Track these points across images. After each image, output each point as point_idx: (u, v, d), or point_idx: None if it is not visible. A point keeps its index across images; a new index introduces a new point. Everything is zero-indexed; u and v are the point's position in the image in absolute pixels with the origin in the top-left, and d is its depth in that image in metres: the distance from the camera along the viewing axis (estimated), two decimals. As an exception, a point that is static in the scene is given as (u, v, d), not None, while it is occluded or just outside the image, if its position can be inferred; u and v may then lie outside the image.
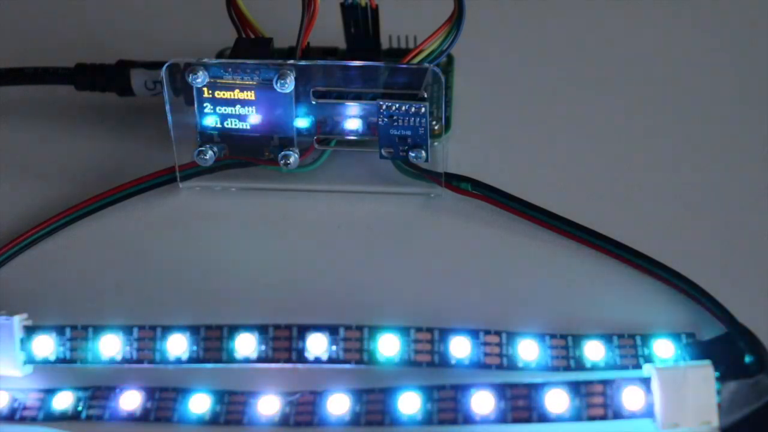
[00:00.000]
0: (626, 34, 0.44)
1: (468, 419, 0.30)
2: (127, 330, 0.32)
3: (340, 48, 0.40)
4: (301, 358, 0.31)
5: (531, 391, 0.30)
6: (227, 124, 0.35)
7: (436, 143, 0.36)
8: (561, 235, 0.35)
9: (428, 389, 0.31)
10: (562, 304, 0.34)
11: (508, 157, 0.38)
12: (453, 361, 0.31)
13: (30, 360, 0.33)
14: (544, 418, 0.30)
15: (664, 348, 0.32)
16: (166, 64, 0.35)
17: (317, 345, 0.31)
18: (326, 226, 0.37)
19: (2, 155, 0.40)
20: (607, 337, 0.32)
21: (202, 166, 0.36)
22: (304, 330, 0.32)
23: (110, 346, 0.32)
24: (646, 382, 0.30)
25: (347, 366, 0.31)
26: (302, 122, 0.36)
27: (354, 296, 0.34)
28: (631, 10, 0.45)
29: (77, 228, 0.37)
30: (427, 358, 0.31)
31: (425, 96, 0.34)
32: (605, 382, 0.30)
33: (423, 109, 0.34)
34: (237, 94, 0.35)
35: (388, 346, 0.31)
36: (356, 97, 0.35)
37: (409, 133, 0.35)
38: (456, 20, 0.35)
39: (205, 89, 0.35)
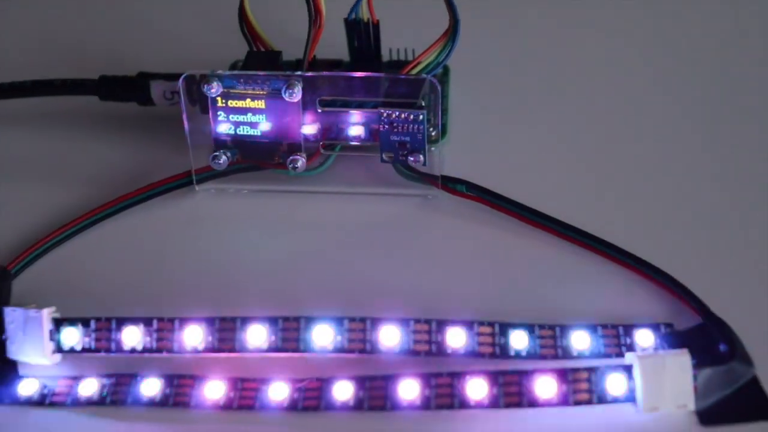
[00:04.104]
0: (612, 46, 0.44)
1: (463, 404, 0.30)
2: (148, 322, 0.32)
3: (344, 60, 0.40)
4: (308, 348, 0.31)
5: (522, 378, 0.30)
6: (239, 131, 0.35)
7: (433, 148, 0.36)
8: (550, 234, 0.35)
9: (426, 376, 0.31)
10: (550, 297, 0.33)
11: (501, 161, 0.38)
12: (449, 351, 0.31)
13: (58, 349, 0.33)
14: (534, 403, 0.30)
15: (644, 337, 0.32)
16: (183, 76, 0.35)
17: (323, 335, 0.31)
18: (331, 225, 0.37)
19: (33, 161, 0.40)
20: (591, 328, 0.32)
21: (216, 170, 0.36)
22: (310, 321, 0.31)
23: (132, 336, 0.32)
24: (628, 369, 0.30)
25: (351, 355, 0.31)
26: (309, 129, 0.36)
27: (357, 290, 0.34)
28: (620, 20, 0.45)
29: (102, 227, 0.37)
30: (425, 348, 0.31)
31: (423, 104, 0.34)
32: (590, 370, 0.30)
33: (421, 117, 0.34)
34: (248, 103, 0.35)
35: (389, 336, 0.31)
36: (359, 106, 0.35)
37: (408, 138, 0.35)
38: (451, 34, 0.35)
39: (219, 99, 0.35)
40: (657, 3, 0.46)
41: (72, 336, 0.32)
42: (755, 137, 0.39)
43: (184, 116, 0.35)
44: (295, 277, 0.35)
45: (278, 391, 0.31)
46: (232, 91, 0.35)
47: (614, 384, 0.30)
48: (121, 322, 0.32)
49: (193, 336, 0.32)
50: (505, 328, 0.31)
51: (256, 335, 0.31)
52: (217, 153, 0.35)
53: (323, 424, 0.30)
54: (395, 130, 0.34)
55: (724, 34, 0.44)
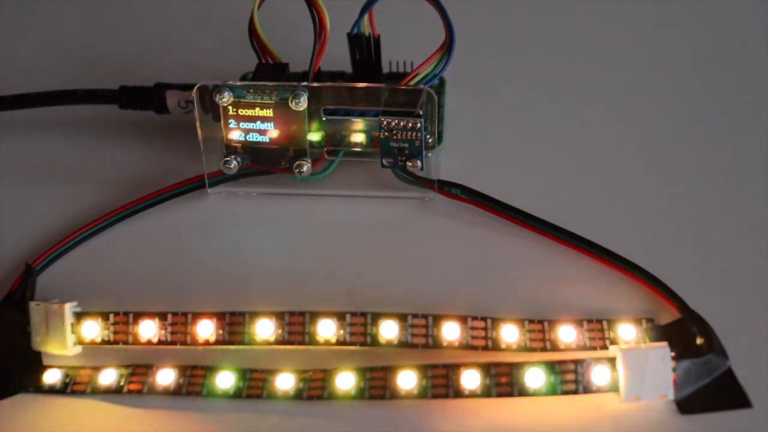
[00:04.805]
0: (601, 55, 0.44)
1: (458, 394, 0.30)
2: (163, 316, 0.32)
3: (347, 72, 0.39)
4: (313, 341, 0.31)
5: (512, 369, 0.30)
6: (249, 137, 0.35)
7: (429, 154, 0.36)
8: (538, 234, 0.35)
9: (423, 368, 0.31)
10: (539, 293, 0.33)
11: (493, 166, 0.38)
12: (445, 343, 0.31)
13: (79, 341, 0.33)
14: (523, 392, 0.30)
15: (627, 331, 0.32)
16: (197, 86, 0.35)
17: (327, 329, 0.31)
18: (335, 226, 0.36)
19: (56, 165, 0.40)
20: (577, 322, 0.32)
21: (227, 174, 0.36)
22: (315, 316, 0.31)
23: (148, 329, 0.32)
24: (611, 361, 0.30)
25: (353, 347, 0.31)
26: (314, 136, 0.36)
27: (359, 287, 0.34)
28: (609, 30, 0.45)
29: (120, 227, 0.37)
30: (422, 341, 0.31)
31: (420, 113, 0.34)
32: (576, 362, 0.30)
33: (419, 125, 0.34)
34: (258, 112, 0.35)
35: (389, 330, 0.31)
36: (361, 114, 0.35)
37: (406, 145, 0.35)
38: (447, 48, 0.35)
39: (230, 107, 0.35)
40: (647, 9, 0.45)
41: (92, 329, 0.32)
42: (735, 140, 0.39)
43: (198, 124, 0.35)
44: (300, 274, 0.35)
45: (285, 382, 0.31)
46: (242, 100, 0.34)
47: (599, 375, 0.30)
48: (138, 316, 0.32)
49: (205, 329, 0.32)
50: (496, 322, 0.31)
51: (264, 329, 0.31)
52: (228, 158, 0.35)
53: (327, 412, 0.30)
54: (394, 137, 0.35)
55: (713, 39, 0.44)
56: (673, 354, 0.30)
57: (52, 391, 0.32)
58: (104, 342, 0.32)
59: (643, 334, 0.31)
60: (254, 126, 0.35)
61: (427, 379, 0.30)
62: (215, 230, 0.37)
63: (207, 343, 0.32)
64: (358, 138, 0.36)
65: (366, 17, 0.35)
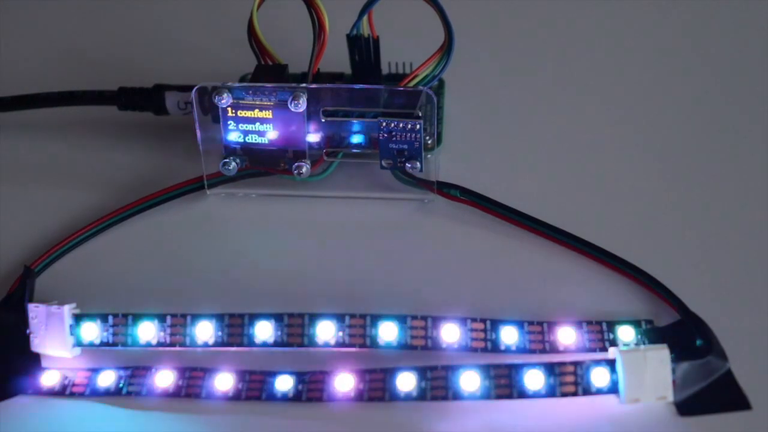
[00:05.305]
0: (599, 58, 0.43)
1: (457, 396, 0.30)
2: (162, 318, 0.32)
3: (346, 73, 0.39)
4: (312, 343, 0.31)
5: (512, 371, 0.30)
6: (248, 139, 0.35)
7: (429, 155, 0.36)
8: (537, 236, 0.35)
9: (422, 369, 0.30)
10: (538, 295, 0.33)
11: (492, 167, 0.38)
12: (444, 345, 0.31)
13: (78, 343, 0.33)
14: (523, 394, 0.30)
15: (626, 333, 0.31)
16: (196, 88, 0.35)
17: (326, 331, 0.31)
18: (334, 227, 0.36)
19: (56, 166, 0.40)
20: (577, 324, 0.31)
21: (226, 176, 0.36)
22: (314, 318, 0.31)
23: (147, 331, 0.32)
24: (611, 363, 0.30)
25: (352, 349, 0.31)
26: (313, 137, 0.35)
27: (358, 288, 0.34)
28: (606, 32, 0.45)
29: (119, 229, 0.37)
30: (421, 343, 0.31)
31: (420, 115, 0.34)
32: (576, 363, 0.30)
33: (418, 126, 0.34)
34: (257, 113, 0.35)
35: (388, 332, 0.31)
36: (360, 116, 0.35)
37: (405, 146, 0.35)
38: (446, 49, 0.35)
39: (229, 109, 0.35)
40: (646, 10, 0.45)
41: (91, 330, 0.32)
42: (734, 140, 0.39)
43: (197, 125, 0.35)
44: (299, 275, 0.34)
45: (284, 383, 0.31)
46: (241, 101, 0.34)
47: (598, 377, 0.30)
48: (137, 317, 0.32)
49: (204, 331, 0.32)
50: (496, 324, 0.31)
51: (263, 330, 0.31)
52: (227, 159, 0.35)
53: (325, 414, 0.30)
54: (394, 138, 0.34)
55: (713, 39, 0.43)
56: (672, 356, 0.29)
57: (51, 392, 0.32)
58: (103, 344, 0.32)
59: (643, 336, 0.31)
60: (253, 127, 0.35)
61: (426, 381, 0.30)
62: (214, 232, 0.37)
63: (206, 344, 0.32)
64: (357, 139, 0.35)
65: (365, 18, 0.35)
